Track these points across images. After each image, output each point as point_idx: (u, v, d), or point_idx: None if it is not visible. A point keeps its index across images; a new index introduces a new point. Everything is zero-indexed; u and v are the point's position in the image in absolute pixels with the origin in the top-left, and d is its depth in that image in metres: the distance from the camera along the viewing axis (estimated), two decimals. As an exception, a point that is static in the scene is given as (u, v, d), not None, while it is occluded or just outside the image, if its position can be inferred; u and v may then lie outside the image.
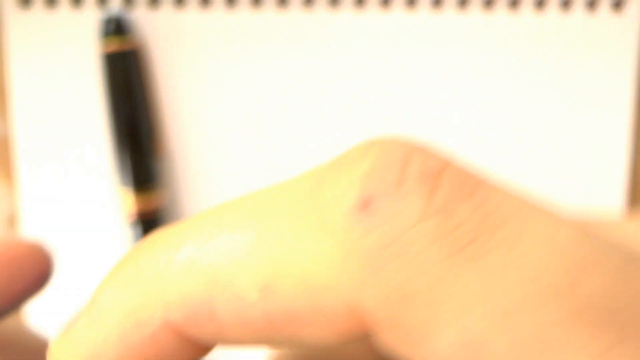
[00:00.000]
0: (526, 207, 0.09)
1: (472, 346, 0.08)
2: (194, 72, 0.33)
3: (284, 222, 0.09)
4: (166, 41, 0.33)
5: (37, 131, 0.34)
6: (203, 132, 0.34)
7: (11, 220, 0.36)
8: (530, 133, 0.34)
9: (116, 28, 0.32)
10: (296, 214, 0.09)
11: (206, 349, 0.11)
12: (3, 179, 0.35)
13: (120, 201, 0.34)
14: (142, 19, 0.33)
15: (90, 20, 0.33)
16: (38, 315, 0.36)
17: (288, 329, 0.09)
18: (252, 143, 0.34)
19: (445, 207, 0.09)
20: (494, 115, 0.34)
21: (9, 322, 0.16)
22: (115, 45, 0.32)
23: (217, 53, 0.33)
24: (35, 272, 0.14)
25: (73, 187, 0.34)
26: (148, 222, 0.33)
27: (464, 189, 0.09)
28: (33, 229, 0.35)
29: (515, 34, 0.33)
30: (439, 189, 0.09)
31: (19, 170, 0.34)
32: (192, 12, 0.32)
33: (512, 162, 0.34)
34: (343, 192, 0.09)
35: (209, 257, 0.10)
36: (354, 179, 0.09)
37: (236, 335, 0.10)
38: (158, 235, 0.11)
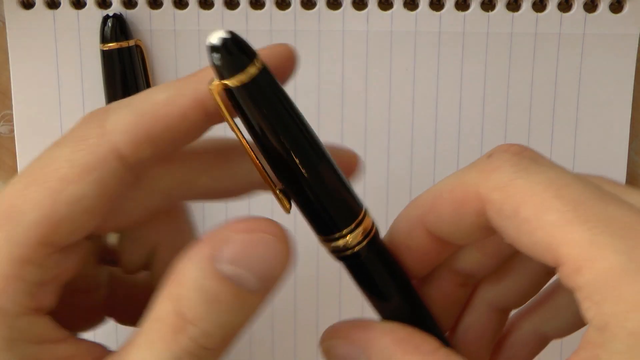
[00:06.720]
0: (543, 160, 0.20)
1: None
2: (193, 71, 0.33)
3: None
4: (166, 41, 0.33)
5: (37, 131, 0.34)
6: (203, 131, 0.34)
7: (11, 220, 0.36)
8: (530, 133, 0.34)
9: (117, 27, 0.32)
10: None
11: None
12: (3, 179, 0.35)
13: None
14: (142, 19, 0.33)
15: (91, 19, 0.32)
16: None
17: None
18: (252, 142, 0.34)
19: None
20: (493, 114, 0.34)
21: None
22: (115, 44, 0.32)
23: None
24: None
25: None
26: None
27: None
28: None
29: (515, 34, 0.33)
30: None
31: (19, 169, 0.34)
32: (192, 12, 0.32)
33: (512, 161, 0.34)
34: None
35: None
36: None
37: None
38: None
